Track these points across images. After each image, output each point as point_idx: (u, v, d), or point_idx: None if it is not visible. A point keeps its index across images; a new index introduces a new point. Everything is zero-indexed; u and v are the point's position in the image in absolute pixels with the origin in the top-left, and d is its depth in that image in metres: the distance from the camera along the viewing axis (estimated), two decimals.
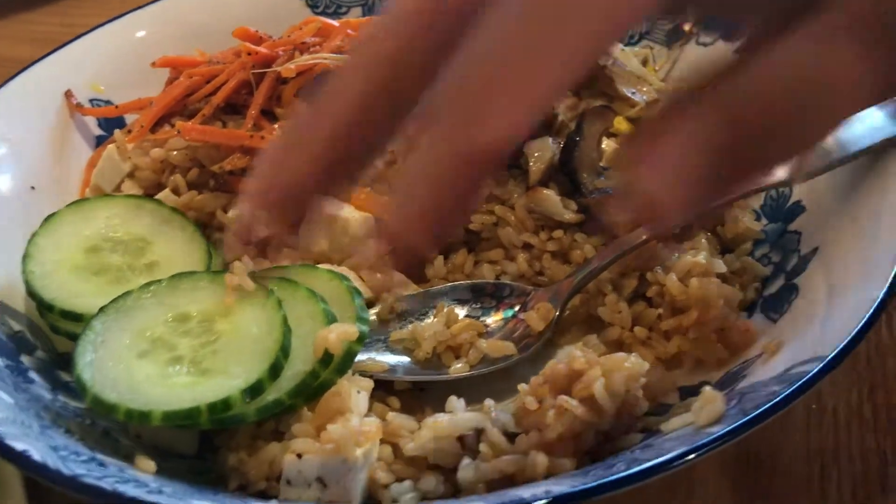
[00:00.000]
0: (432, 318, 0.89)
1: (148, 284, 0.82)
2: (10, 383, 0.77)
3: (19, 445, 0.65)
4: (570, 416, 0.70)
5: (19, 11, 1.54)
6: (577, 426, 0.71)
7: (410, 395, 0.84)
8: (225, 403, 0.71)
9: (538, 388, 0.74)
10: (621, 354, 0.75)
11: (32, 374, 0.81)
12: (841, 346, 0.68)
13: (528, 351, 0.85)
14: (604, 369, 0.72)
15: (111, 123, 1.14)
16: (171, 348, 0.76)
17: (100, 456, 0.69)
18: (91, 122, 1.14)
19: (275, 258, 0.96)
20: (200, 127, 1.02)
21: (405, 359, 0.87)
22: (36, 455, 0.64)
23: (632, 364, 0.73)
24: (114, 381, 0.73)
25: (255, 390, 0.72)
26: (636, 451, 0.68)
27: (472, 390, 0.81)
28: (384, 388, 0.83)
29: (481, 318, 0.90)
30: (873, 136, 0.87)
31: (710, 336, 0.83)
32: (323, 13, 1.26)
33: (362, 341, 0.77)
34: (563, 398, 0.71)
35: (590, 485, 0.61)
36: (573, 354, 0.74)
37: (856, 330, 0.68)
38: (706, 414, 0.68)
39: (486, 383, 0.84)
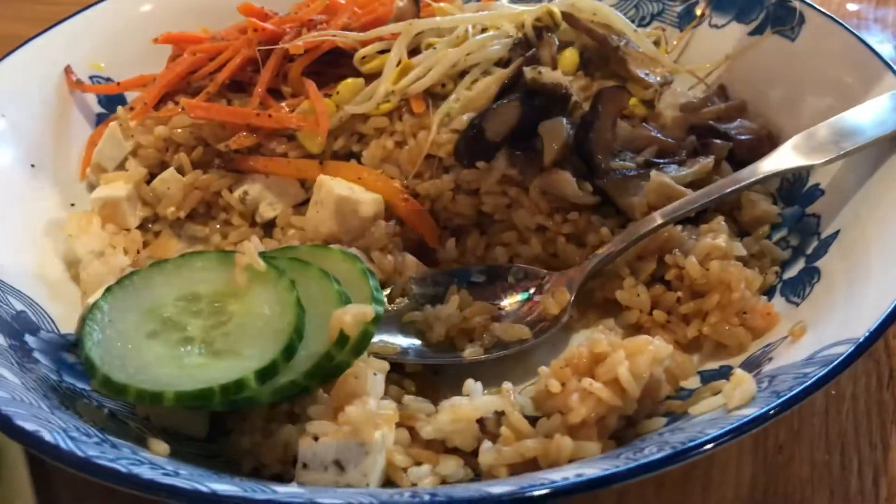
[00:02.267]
0: (445, 301, 0.87)
1: (155, 263, 0.80)
2: (14, 363, 0.75)
3: (29, 426, 0.63)
4: (595, 399, 0.69)
5: None
6: (601, 410, 0.69)
7: (424, 378, 0.83)
8: (238, 385, 0.69)
9: (560, 371, 0.72)
10: (644, 337, 0.73)
11: (37, 355, 0.79)
12: (874, 326, 0.67)
13: (544, 335, 0.83)
14: (627, 352, 0.71)
15: (112, 101, 1.11)
16: (182, 329, 0.74)
17: (111, 437, 0.67)
18: (91, 99, 1.11)
19: (283, 239, 0.94)
20: (206, 104, 1.00)
21: (417, 342, 0.85)
22: (47, 436, 0.62)
23: (655, 347, 0.72)
24: (123, 362, 0.71)
25: (268, 372, 0.70)
26: (665, 433, 0.67)
27: (486, 374, 0.80)
28: (398, 371, 0.81)
29: (495, 302, 0.88)
30: (886, 125, 0.86)
31: (732, 319, 0.82)
32: None
33: (378, 322, 0.75)
34: (588, 381, 0.69)
35: (622, 468, 0.59)
36: (595, 338, 0.73)
37: (889, 310, 0.67)
38: (738, 396, 0.66)
39: (500, 367, 0.83)
